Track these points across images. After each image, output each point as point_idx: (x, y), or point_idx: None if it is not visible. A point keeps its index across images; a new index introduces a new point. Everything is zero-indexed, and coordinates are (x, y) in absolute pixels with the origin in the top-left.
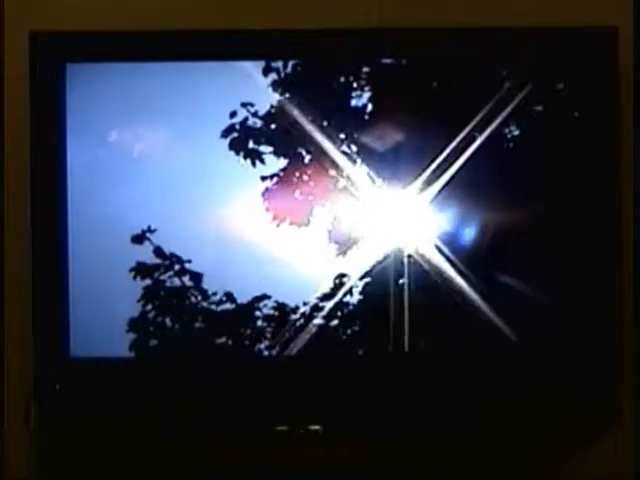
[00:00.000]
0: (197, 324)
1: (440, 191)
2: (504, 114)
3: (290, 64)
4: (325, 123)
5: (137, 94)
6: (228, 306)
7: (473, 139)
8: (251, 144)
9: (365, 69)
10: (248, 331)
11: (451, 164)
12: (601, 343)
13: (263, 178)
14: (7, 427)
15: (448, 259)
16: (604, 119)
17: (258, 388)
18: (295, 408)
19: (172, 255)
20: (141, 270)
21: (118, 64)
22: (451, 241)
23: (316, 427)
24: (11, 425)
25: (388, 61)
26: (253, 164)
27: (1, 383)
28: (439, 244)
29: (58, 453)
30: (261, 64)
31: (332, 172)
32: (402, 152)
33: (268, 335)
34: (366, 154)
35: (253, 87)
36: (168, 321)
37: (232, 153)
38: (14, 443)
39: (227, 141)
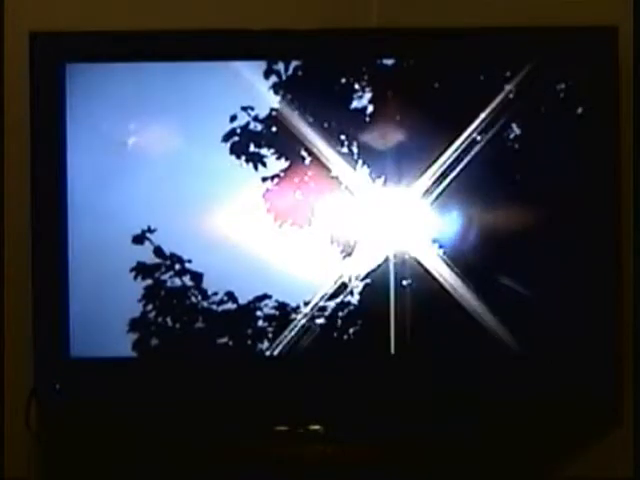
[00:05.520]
0: (198, 324)
1: (441, 192)
2: (504, 114)
3: (289, 64)
4: (325, 124)
5: (137, 94)
6: (229, 306)
7: (473, 140)
8: (252, 145)
9: (365, 69)
10: (249, 331)
11: (452, 165)
12: (601, 343)
13: (264, 179)
14: (7, 427)
15: (449, 260)
16: (604, 119)
17: (258, 388)
18: (295, 408)
19: (172, 255)
20: (141, 270)
21: (118, 64)
22: (453, 242)
23: (316, 427)
24: (11, 425)
25: (388, 61)
26: (255, 166)
27: (1, 383)
28: (441, 245)
29: (58, 453)
30: (260, 64)
31: (333, 173)
32: (403, 153)
33: (269, 335)
34: (367, 155)
35: (252, 86)
36: (169, 321)
37: (233, 152)
38: (14, 443)
39: (228, 140)
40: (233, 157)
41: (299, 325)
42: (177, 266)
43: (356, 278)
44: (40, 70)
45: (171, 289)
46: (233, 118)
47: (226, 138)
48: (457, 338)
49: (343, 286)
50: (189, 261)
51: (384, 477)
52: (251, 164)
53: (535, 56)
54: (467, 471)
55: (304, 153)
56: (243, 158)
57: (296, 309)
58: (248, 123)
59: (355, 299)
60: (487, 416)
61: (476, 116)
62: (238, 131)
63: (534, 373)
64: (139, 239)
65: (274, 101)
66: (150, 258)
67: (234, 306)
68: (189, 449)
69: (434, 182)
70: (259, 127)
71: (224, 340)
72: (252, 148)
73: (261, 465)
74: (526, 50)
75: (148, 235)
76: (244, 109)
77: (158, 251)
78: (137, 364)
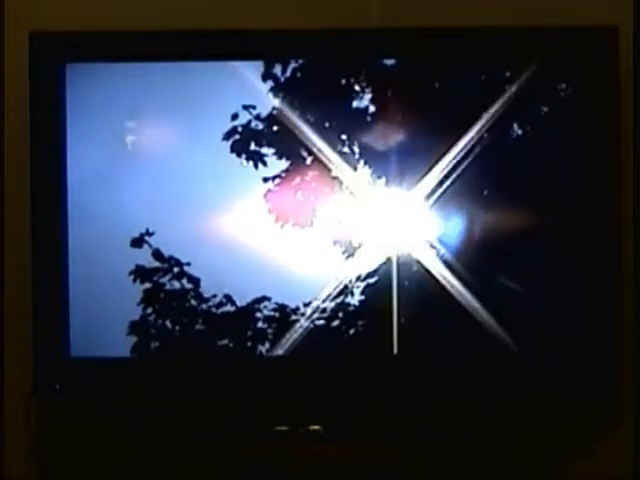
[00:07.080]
0: (197, 325)
1: (443, 192)
2: (504, 114)
3: (289, 64)
4: (326, 124)
5: (137, 94)
6: (228, 308)
7: (474, 140)
8: (252, 146)
9: (365, 69)
10: (249, 332)
11: (453, 165)
12: (601, 343)
13: (265, 179)
14: (7, 427)
15: (451, 261)
16: (604, 119)
17: (258, 388)
18: (295, 408)
19: (171, 258)
20: (140, 273)
21: (118, 64)
22: (455, 243)
23: (316, 427)
24: (11, 425)
25: (388, 61)
26: (255, 166)
27: (1, 383)
28: (442, 246)
29: (58, 453)
30: (260, 64)
31: (334, 173)
32: (404, 153)
33: (271, 335)
34: (368, 155)
35: (252, 86)
36: (168, 323)
37: (233, 155)
38: (14, 443)
39: (228, 143)
40: (233, 158)
41: (303, 326)
42: (176, 269)
43: (358, 279)
44: (40, 70)
45: (170, 292)
46: (233, 118)
47: (226, 139)
48: (458, 338)
49: (343, 287)
50: (188, 264)
51: (384, 477)
52: (251, 165)
53: (535, 56)
54: (467, 471)
55: (305, 154)
56: (243, 159)
57: (298, 310)
58: (248, 123)
59: (356, 300)
60: (487, 416)
61: (476, 116)
62: (238, 131)
63: (534, 373)
64: (138, 242)
65: (274, 101)
66: (149, 261)
67: (235, 308)
68: (189, 449)
69: (435, 182)
70: (259, 127)
71: (224, 341)
72: (252, 149)
73: (261, 465)
74: (526, 50)
75: (147, 238)
76: (244, 109)
77: (157, 254)
78: (137, 364)
